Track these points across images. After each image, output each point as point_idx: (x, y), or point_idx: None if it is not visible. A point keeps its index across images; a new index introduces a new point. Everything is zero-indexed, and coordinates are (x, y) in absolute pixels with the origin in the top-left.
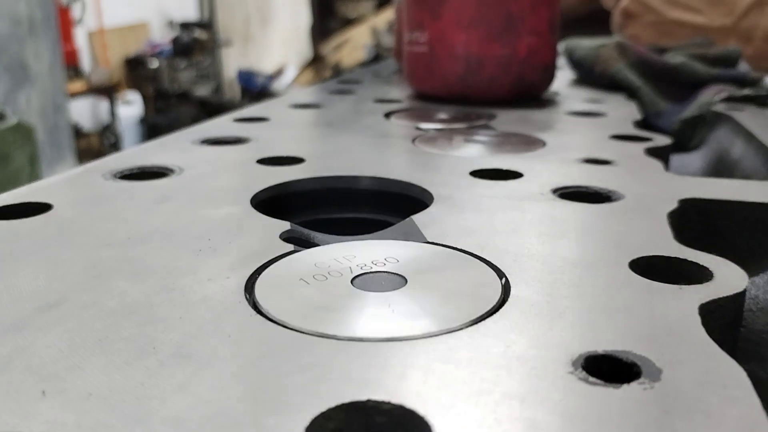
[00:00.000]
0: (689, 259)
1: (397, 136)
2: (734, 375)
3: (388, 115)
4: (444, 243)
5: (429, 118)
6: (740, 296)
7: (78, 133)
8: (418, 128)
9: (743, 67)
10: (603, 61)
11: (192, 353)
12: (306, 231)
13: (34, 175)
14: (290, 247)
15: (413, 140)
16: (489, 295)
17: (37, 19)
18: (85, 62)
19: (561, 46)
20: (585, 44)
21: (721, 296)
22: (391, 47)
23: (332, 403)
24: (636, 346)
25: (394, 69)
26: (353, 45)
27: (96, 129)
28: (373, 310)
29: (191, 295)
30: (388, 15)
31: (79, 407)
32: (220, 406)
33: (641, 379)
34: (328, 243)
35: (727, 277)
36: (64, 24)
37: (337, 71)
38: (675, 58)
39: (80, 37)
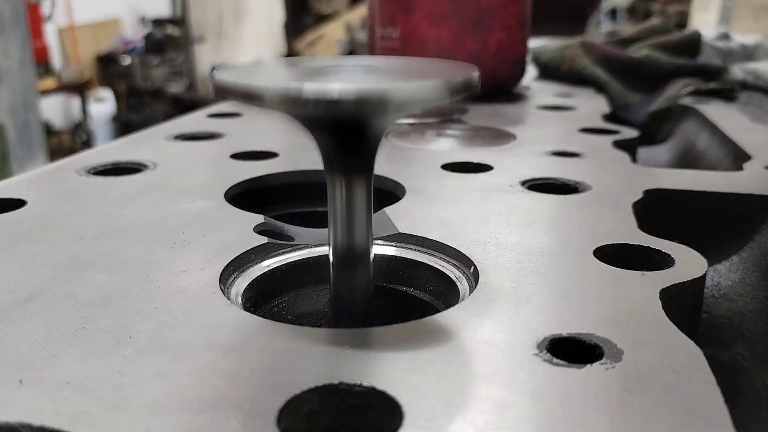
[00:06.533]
0: (652, 246)
1: None
2: (691, 354)
3: None
4: (415, 233)
5: None
6: (700, 281)
7: (49, 131)
8: None
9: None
10: (569, 60)
11: (168, 342)
12: (280, 224)
13: (4, 174)
14: (264, 239)
15: (386, 135)
16: None
17: (6, 16)
18: (56, 59)
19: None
20: (550, 48)
21: (681, 281)
22: (365, 43)
23: (305, 387)
24: (599, 329)
25: None
26: (327, 41)
27: (67, 127)
28: None
29: (166, 286)
30: (362, 11)
31: (57, 395)
32: (197, 392)
33: (603, 360)
34: (301, 235)
35: (688, 264)
36: (34, 20)
37: None
38: (639, 52)
39: (50, 34)
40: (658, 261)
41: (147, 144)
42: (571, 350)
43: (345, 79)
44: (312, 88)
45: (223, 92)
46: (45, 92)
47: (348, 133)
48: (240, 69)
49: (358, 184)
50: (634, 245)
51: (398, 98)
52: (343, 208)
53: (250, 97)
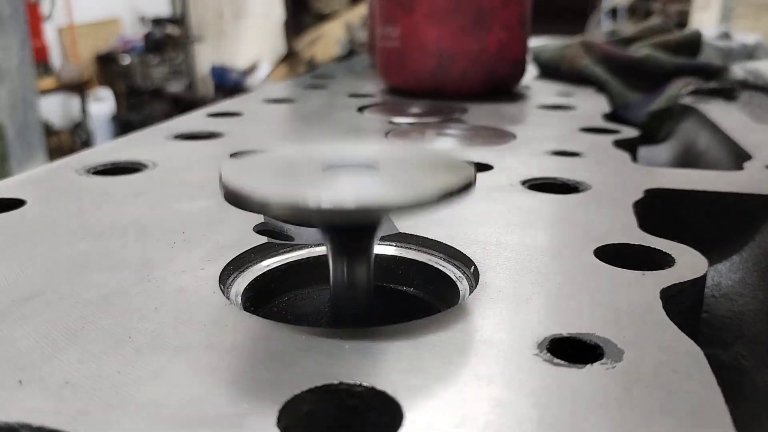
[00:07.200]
0: (652, 246)
1: (370, 130)
2: (692, 354)
3: (361, 109)
4: (415, 233)
5: (402, 113)
6: (700, 281)
7: (49, 130)
8: (391, 122)
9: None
10: (569, 59)
11: (167, 342)
12: (280, 224)
13: (3, 173)
14: (263, 239)
15: (386, 134)
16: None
17: (5, 15)
18: (55, 59)
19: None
20: (550, 47)
21: (681, 281)
22: (364, 42)
23: (305, 387)
24: (599, 329)
25: (367, 64)
26: (327, 40)
27: (67, 126)
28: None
29: (166, 286)
30: (362, 10)
31: (57, 395)
32: (196, 392)
33: (604, 360)
34: (301, 235)
35: (688, 263)
36: (33, 19)
37: (312, 66)
38: (639, 51)
39: (50, 33)
40: (658, 261)
41: (146, 143)
42: (571, 350)
43: (346, 185)
44: (314, 199)
45: (230, 197)
46: (44, 92)
47: (348, 230)
48: (247, 166)
49: (359, 263)
50: (634, 245)
51: (396, 208)
52: (344, 282)
53: (257, 207)
